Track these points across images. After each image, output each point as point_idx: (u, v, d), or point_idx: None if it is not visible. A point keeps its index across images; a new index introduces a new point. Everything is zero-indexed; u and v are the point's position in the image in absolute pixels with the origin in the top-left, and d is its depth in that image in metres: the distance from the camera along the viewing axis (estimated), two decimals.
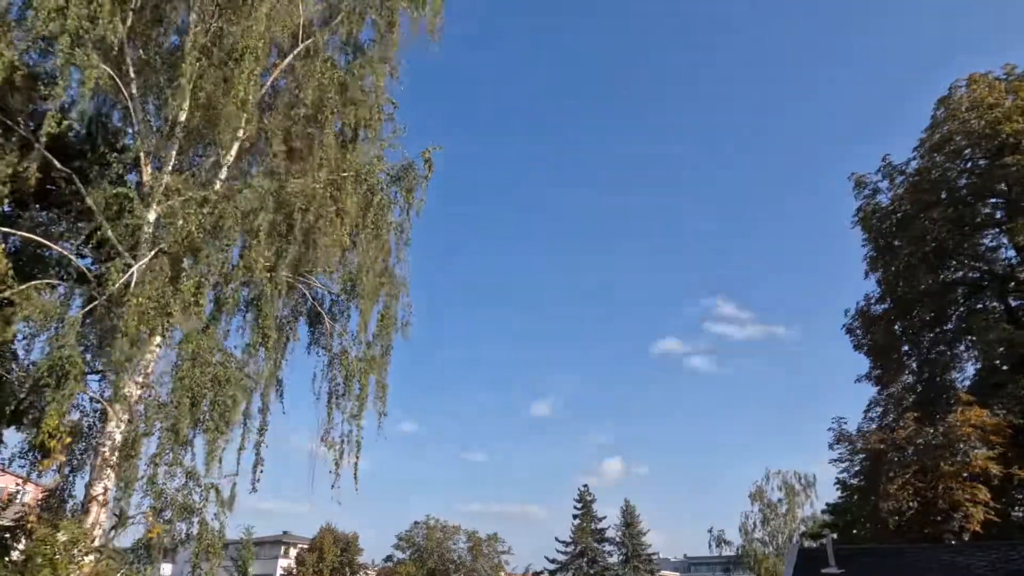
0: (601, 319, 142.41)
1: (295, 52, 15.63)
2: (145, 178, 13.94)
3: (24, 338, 13.05)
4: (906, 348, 26.92)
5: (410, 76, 17.82)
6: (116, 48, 13.56)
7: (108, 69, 13.36)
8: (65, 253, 13.72)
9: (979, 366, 23.83)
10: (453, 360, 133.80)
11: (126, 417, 12.36)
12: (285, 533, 73.07)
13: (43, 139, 12.16)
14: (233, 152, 14.57)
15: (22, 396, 12.17)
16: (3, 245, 13.18)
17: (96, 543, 11.67)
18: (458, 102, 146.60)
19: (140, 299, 11.79)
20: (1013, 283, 24.82)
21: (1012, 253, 25.20)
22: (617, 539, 62.84)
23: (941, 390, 23.81)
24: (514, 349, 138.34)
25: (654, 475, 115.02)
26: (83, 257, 14.23)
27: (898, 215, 26.62)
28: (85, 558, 11.09)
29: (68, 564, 10.74)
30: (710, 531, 65.46)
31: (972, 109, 25.08)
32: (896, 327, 26.70)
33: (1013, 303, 25.51)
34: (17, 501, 14.56)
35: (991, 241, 25.78)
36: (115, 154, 13.39)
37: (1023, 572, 13.53)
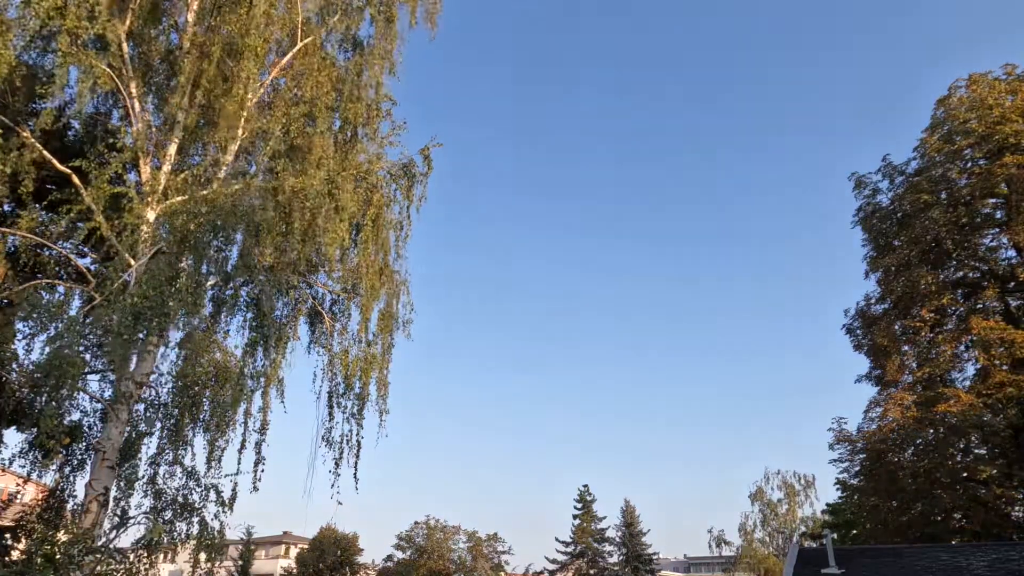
0: None
1: (294, 50, 15.61)
2: (144, 177, 13.93)
3: (24, 338, 13.02)
4: (906, 348, 26.87)
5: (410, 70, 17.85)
6: (115, 46, 13.55)
7: (107, 68, 13.34)
8: (65, 253, 13.71)
9: (979, 366, 23.76)
10: None
11: (126, 417, 12.33)
12: (285, 533, 73.12)
13: (37, 134, 12.13)
14: (232, 151, 14.56)
15: (22, 396, 12.14)
16: (3, 245, 13.18)
17: (96, 543, 11.64)
18: None
19: (136, 299, 11.75)
20: (1013, 283, 24.77)
21: (1012, 253, 25.14)
22: (617, 539, 62.80)
23: (941, 390, 23.75)
24: None
25: None
26: (83, 256, 14.22)
27: (898, 215, 26.57)
28: (85, 558, 11.06)
29: (68, 564, 10.71)
30: (710, 531, 65.55)
31: (972, 109, 25.03)
32: (896, 327, 26.66)
33: (1013, 303, 25.45)
34: (17, 501, 14.54)
35: (991, 241, 25.71)
36: (114, 153, 13.37)
37: (1023, 572, 13.51)
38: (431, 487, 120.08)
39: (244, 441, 13.56)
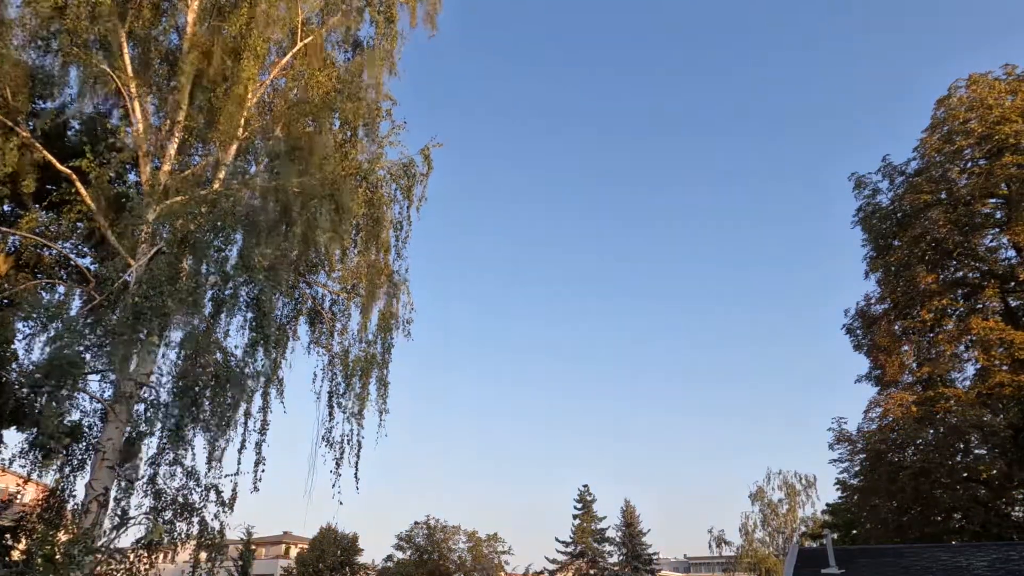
0: None
1: (294, 50, 15.63)
2: (144, 177, 13.94)
3: (24, 338, 13.04)
4: (906, 348, 26.89)
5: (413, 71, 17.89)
6: (116, 46, 13.56)
7: (107, 68, 13.36)
8: (65, 253, 13.72)
9: (979, 366, 23.79)
10: None
11: (126, 417, 12.34)
12: (285, 533, 73.14)
13: (37, 134, 12.14)
14: (232, 151, 14.56)
15: (22, 396, 12.15)
16: (4, 244, 13.20)
17: (96, 543, 11.65)
18: None
19: (136, 299, 11.76)
20: (1013, 283, 24.80)
21: (1012, 253, 25.18)
22: (617, 539, 62.82)
23: (941, 390, 23.78)
24: None
25: None
26: (83, 256, 14.23)
27: (898, 215, 26.60)
28: (85, 558, 11.07)
29: (68, 564, 10.72)
30: (710, 531, 65.65)
31: (972, 109, 25.06)
32: (896, 327, 26.69)
33: (1013, 303, 25.49)
34: (17, 501, 14.56)
35: (991, 241, 25.75)
36: (114, 153, 13.38)
37: (1023, 572, 13.51)
38: (431, 487, 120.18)
39: (244, 441, 13.55)
